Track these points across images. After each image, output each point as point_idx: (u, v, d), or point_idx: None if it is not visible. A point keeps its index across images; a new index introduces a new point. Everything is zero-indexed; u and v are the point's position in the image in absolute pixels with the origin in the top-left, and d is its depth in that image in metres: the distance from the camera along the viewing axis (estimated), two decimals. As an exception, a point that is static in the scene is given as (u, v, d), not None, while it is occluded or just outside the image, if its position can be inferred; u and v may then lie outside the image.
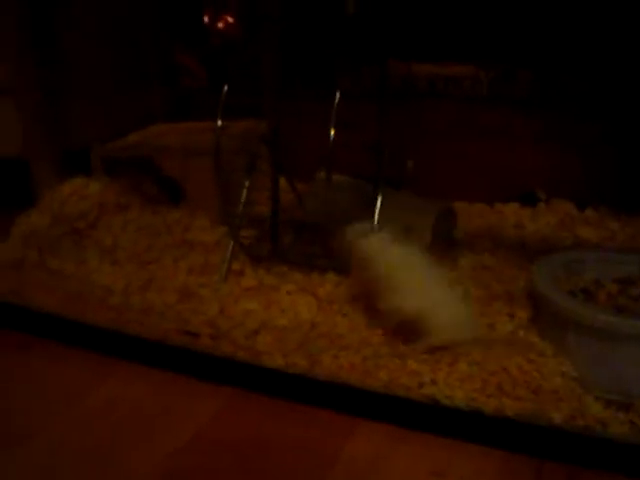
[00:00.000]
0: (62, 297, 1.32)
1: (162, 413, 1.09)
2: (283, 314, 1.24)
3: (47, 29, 1.62)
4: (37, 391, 1.16)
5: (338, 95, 1.22)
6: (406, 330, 1.12)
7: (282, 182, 1.41)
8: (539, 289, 1.13)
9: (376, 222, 1.29)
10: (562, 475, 0.94)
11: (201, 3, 1.90)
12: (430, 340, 1.09)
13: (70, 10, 1.65)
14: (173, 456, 0.99)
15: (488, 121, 1.63)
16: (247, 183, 1.37)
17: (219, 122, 1.28)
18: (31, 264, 1.43)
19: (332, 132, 1.20)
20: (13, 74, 1.60)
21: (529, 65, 1.59)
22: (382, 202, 1.32)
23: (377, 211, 1.31)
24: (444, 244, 1.39)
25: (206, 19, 1.90)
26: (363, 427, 1.04)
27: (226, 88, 1.28)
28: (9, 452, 1.01)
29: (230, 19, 1.89)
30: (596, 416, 0.97)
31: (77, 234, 1.52)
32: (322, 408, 1.08)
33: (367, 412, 1.05)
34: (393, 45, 1.55)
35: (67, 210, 1.55)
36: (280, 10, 1.58)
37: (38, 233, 1.49)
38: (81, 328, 1.26)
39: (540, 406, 0.98)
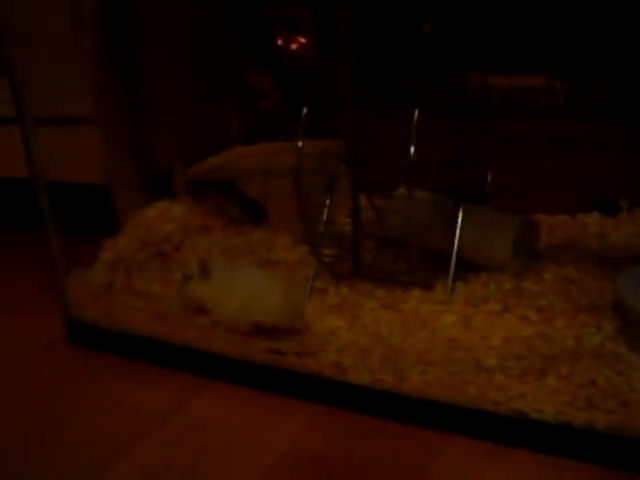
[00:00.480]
0: (150, 318, 1.36)
1: (250, 431, 1.11)
2: (367, 330, 1.24)
3: (126, 57, 1.66)
4: (128, 412, 1.19)
5: (417, 112, 1.22)
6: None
7: (362, 200, 1.41)
8: (625, 300, 1.12)
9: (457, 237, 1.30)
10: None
11: (274, 25, 1.92)
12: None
13: (147, 36, 1.69)
14: (264, 475, 1.01)
15: (565, 131, 1.62)
16: (328, 202, 1.39)
17: (299, 143, 1.30)
18: (120, 287, 1.46)
19: (412, 148, 1.21)
20: (96, 103, 1.64)
21: (604, 74, 1.57)
22: (463, 216, 1.33)
23: (458, 227, 1.31)
24: (527, 258, 1.38)
25: (279, 41, 1.92)
26: (452, 443, 1.04)
27: (305, 110, 1.30)
28: (102, 472, 1.04)
29: (303, 40, 1.91)
30: (689, 428, 0.95)
31: (163, 256, 1.56)
32: (410, 424, 1.08)
33: (456, 427, 1.06)
34: (469, 58, 1.56)
35: (152, 233, 1.59)
36: (352, 27, 1.59)
37: (125, 257, 1.53)
38: (169, 348, 1.30)
39: (630, 418, 0.97)
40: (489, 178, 1.52)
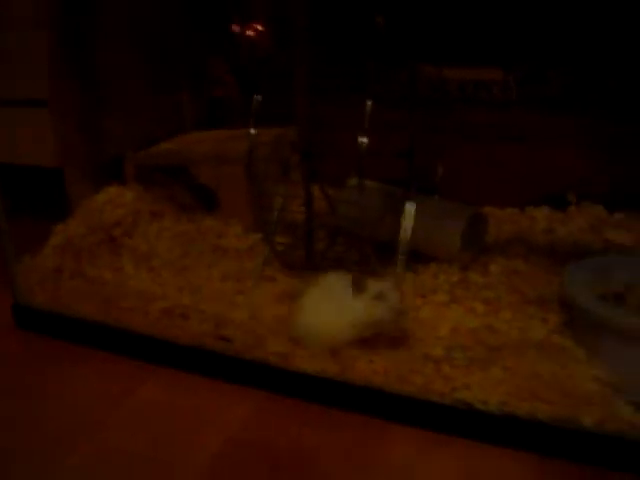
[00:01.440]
0: (99, 304, 1.35)
1: (197, 417, 1.11)
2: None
3: (82, 41, 1.65)
4: (77, 397, 1.18)
5: (369, 103, 1.23)
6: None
7: (315, 189, 1.42)
8: (571, 294, 1.13)
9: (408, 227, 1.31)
10: (594, 477, 0.95)
11: (230, 13, 1.91)
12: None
13: (102, 22, 1.68)
14: (211, 460, 1.01)
15: (518, 125, 1.64)
16: (281, 190, 1.39)
17: (252, 131, 1.30)
18: (69, 272, 1.45)
19: (364, 139, 1.21)
20: (51, 86, 1.62)
21: (557, 65, 1.59)
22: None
23: (408, 216, 1.32)
24: (475, 250, 1.40)
25: (235, 28, 1.92)
26: (398, 432, 1.05)
27: (259, 98, 1.30)
28: (59, 459, 1.03)
29: (259, 28, 1.90)
30: (628, 420, 0.97)
31: (113, 242, 1.55)
32: (356, 413, 1.09)
33: (401, 417, 1.07)
34: (422, 51, 1.56)
35: (103, 218, 1.57)
36: (309, 18, 1.59)
37: (75, 241, 1.52)
38: (118, 334, 1.29)
39: (572, 410, 0.99)
40: (440, 170, 1.53)
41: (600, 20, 1.49)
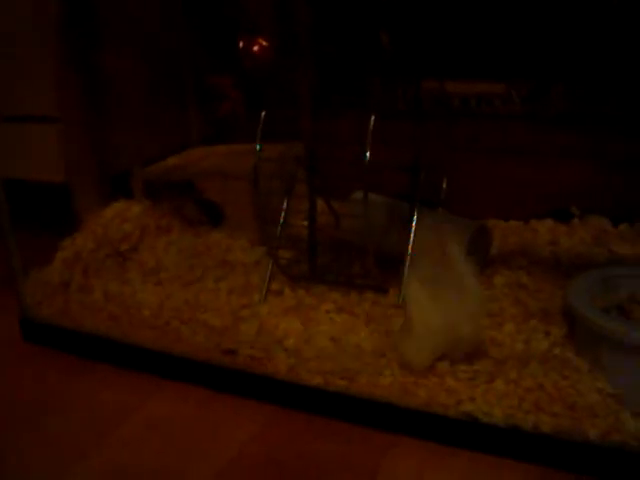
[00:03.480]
0: (107, 318, 1.36)
1: (205, 432, 1.12)
2: (322, 332, 1.26)
3: (88, 56, 1.66)
4: (84, 411, 1.19)
5: (373, 117, 1.24)
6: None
7: (319, 203, 1.43)
8: (574, 306, 1.14)
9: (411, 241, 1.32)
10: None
11: (236, 28, 1.93)
12: None
13: (109, 38, 1.69)
14: (219, 474, 1.02)
15: (521, 138, 1.64)
16: (285, 204, 1.40)
17: (258, 146, 1.31)
18: (76, 286, 1.46)
19: (367, 153, 1.22)
20: (57, 101, 1.64)
21: (561, 81, 1.60)
22: (417, 221, 1.35)
23: (413, 231, 1.33)
24: (479, 262, 1.40)
25: (241, 44, 1.93)
26: (402, 445, 1.06)
27: (264, 114, 1.31)
28: (62, 474, 1.04)
29: (265, 43, 1.91)
30: (632, 432, 0.97)
31: (120, 256, 1.56)
32: (362, 426, 1.10)
33: (406, 429, 1.08)
34: (426, 65, 1.57)
35: (110, 233, 1.58)
36: (313, 33, 1.60)
37: (83, 256, 1.53)
38: (125, 348, 1.30)
39: (576, 422, 1.00)
40: (444, 183, 1.54)
41: (605, 35, 1.50)
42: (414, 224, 1.34)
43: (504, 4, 1.56)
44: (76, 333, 1.35)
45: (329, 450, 1.06)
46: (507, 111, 1.67)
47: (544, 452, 1.01)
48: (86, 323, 1.35)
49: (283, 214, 1.40)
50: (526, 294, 1.32)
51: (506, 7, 1.56)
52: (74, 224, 1.62)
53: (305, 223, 1.41)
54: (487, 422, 1.03)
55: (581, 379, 1.06)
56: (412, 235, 1.33)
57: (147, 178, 1.72)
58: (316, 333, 1.26)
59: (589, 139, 1.57)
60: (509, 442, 1.02)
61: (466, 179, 1.59)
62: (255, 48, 1.91)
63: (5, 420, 1.18)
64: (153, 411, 1.18)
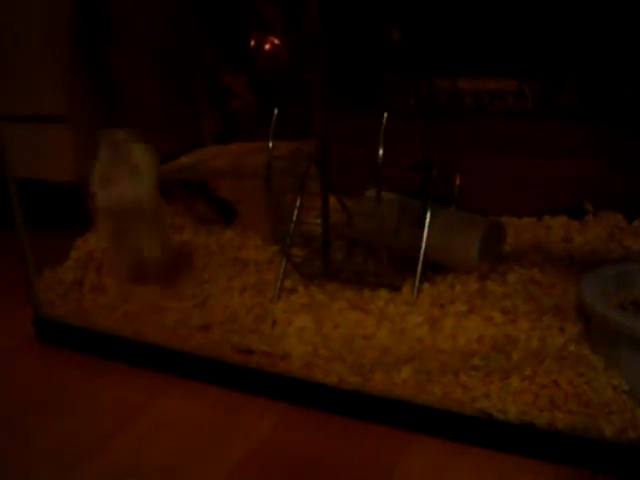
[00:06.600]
0: (120, 316, 1.37)
1: (218, 430, 1.12)
2: (335, 330, 1.26)
3: (99, 56, 1.67)
4: (98, 410, 1.20)
5: (385, 115, 1.24)
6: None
7: (332, 201, 1.43)
8: (588, 303, 1.13)
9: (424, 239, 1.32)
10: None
11: (247, 27, 1.93)
12: None
13: (119, 37, 1.69)
14: (232, 473, 1.02)
15: (534, 135, 1.64)
16: (298, 202, 1.40)
17: (270, 144, 1.31)
18: (90, 285, 1.47)
19: (380, 151, 1.22)
20: (69, 101, 1.64)
21: (574, 76, 1.59)
22: (430, 218, 1.35)
23: (426, 229, 1.33)
24: (493, 259, 1.40)
25: (252, 42, 1.93)
26: (417, 442, 1.06)
27: (276, 111, 1.31)
28: (79, 469, 1.05)
29: (276, 41, 1.91)
30: (649, 429, 0.97)
31: (133, 255, 1.56)
32: (377, 424, 1.10)
33: (421, 427, 1.08)
34: (438, 63, 1.57)
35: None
36: (324, 31, 1.60)
37: (95, 255, 1.53)
38: (138, 346, 1.30)
39: (591, 419, 0.99)
40: (457, 180, 1.54)
41: (618, 30, 1.49)
42: (427, 222, 1.34)
43: (516, 0, 1.56)
44: (89, 331, 1.35)
45: (344, 448, 1.06)
46: (520, 107, 1.67)
47: (559, 449, 1.00)
48: (99, 321, 1.36)
49: (296, 212, 1.40)
50: (540, 291, 1.31)
51: (517, 3, 1.56)
52: (87, 223, 1.63)
53: (318, 221, 1.41)
54: (502, 419, 1.02)
55: (596, 376, 1.06)
56: (425, 233, 1.33)
57: (159, 177, 1.72)
58: (330, 331, 1.25)
59: (602, 135, 1.57)
60: (524, 439, 1.02)
61: (479, 176, 1.59)
62: (266, 47, 1.91)
63: (18, 418, 1.18)
64: (166, 409, 1.18)
